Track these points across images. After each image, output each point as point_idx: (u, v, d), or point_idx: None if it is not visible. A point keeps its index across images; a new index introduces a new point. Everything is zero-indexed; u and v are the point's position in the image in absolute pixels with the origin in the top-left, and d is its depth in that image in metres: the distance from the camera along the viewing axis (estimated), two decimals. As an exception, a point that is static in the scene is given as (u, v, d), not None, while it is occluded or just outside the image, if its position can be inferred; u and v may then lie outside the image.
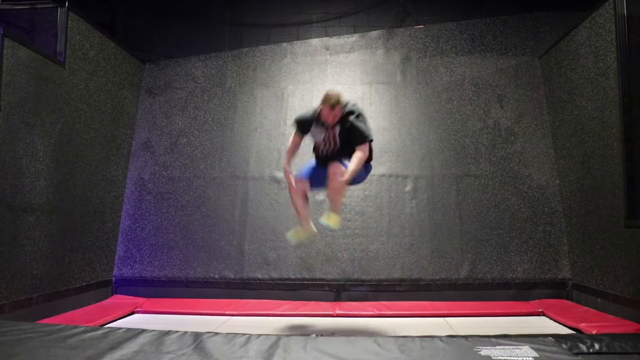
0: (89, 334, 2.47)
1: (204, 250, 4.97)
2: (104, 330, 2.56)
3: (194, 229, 5.03)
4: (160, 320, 4.12)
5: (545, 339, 2.44)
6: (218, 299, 4.73)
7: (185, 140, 5.28)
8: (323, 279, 4.84)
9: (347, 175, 3.26)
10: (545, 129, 5.04)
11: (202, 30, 5.52)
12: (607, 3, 3.89)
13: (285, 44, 5.46)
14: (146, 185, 5.19)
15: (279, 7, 5.53)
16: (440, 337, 2.45)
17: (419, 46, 5.33)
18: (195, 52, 5.47)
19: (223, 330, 3.72)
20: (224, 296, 4.78)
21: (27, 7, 4.57)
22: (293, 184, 3.52)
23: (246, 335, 2.45)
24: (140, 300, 4.64)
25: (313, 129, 3.47)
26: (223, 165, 5.20)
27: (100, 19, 5.03)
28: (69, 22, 4.17)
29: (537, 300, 4.59)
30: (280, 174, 5.11)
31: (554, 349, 2.27)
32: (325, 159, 3.45)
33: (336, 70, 5.37)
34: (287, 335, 2.50)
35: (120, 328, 2.59)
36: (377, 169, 5.07)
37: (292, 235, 3.83)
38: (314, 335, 2.62)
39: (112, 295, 4.85)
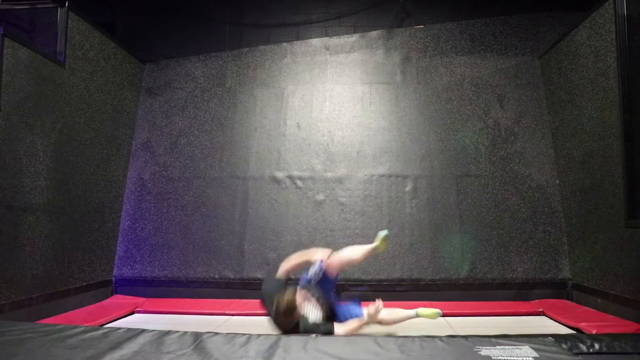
0: (89, 334, 2.47)
1: (204, 250, 4.97)
2: (104, 330, 2.56)
3: (194, 229, 5.03)
4: (160, 320, 4.12)
5: (545, 339, 2.43)
6: (218, 298, 4.73)
7: (185, 140, 5.28)
8: (323, 279, 4.83)
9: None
10: (545, 129, 5.03)
11: (202, 30, 5.52)
12: (607, 3, 3.89)
13: (285, 44, 5.45)
14: (146, 185, 5.19)
15: (279, 7, 5.53)
16: (440, 337, 2.45)
17: (419, 46, 5.33)
18: (195, 52, 5.47)
19: (223, 330, 3.72)
20: (224, 296, 4.78)
21: (27, 7, 4.57)
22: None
23: (246, 335, 2.44)
24: (140, 300, 4.64)
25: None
26: (223, 165, 5.19)
27: (100, 19, 5.03)
28: (69, 22, 4.17)
29: (537, 300, 4.59)
30: (280, 174, 5.12)
31: (554, 349, 2.26)
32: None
33: (336, 70, 5.37)
34: (287, 335, 2.50)
35: (120, 328, 2.59)
36: (377, 168, 5.08)
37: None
38: (314, 335, 2.61)
39: (112, 295, 4.85)
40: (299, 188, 5.07)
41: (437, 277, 4.79)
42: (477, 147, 5.06)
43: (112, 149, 4.91)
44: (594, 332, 3.32)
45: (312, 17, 5.55)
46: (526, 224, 4.86)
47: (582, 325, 3.56)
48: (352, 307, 3.26)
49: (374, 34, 5.40)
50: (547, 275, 4.73)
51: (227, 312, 4.32)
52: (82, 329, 2.57)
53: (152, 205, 5.12)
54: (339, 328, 2.99)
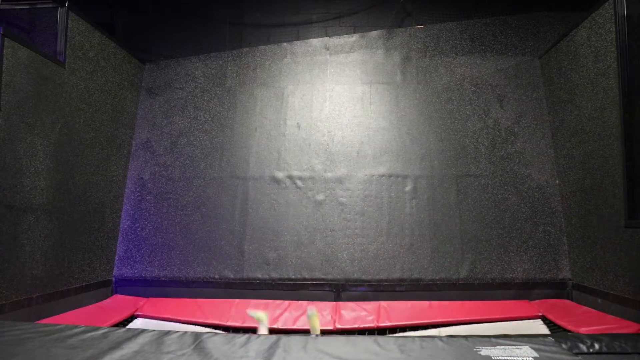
0: (89, 334, 2.47)
1: (204, 250, 4.97)
2: (104, 330, 2.56)
3: (194, 229, 5.03)
4: (162, 327, 4.06)
5: (545, 339, 2.43)
6: (218, 298, 4.72)
7: (185, 140, 5.28)
8: (323, 279, 4.84)
9: None
10: (545, 129, 5.03)
11: (202, 30, 5.52)
12: (607, 3, 3.89)
13: (285, 44, 5.45)
14: (146, 185, 5.19)
15: (279, 7, 5.53)
16: (440, 337, 2.45)
17: (419, 46, 5.33)
18: (195, 52, 5.47)
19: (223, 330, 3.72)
20: (224, 296, 4.78)
21: (27, 7, 4.57)
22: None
23: (246, 335, 2.44)
24: (141, 300, 4.64)
25: None
26: (223, 165, 5.20)
27: (100, 19, 5.03)
28: (69, 22, 4.17)
29: (537, 301, 4.59)
30: (280, 174, 5.12)
31: (554, 349, 2.26)
32: None
33: (336, 70, 5.37)
34: (287, 335, 2.50)
35: (120, 328, 2.59)
36: (377, 168, 5.08)
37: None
38: (314, 335, 2.61)
39: (112, 295, 4.85)
40: (299, 188, 5.07)
41: (437, 277, 4.79)
42: (477, 147, 5.06)
43: (112, 149, 4.91)
44: (594, 332, 3.31)
45: (312, 17, 5.55)
46: (526, 224, 4.86)
47: (582, 330, 3.56)
48: None
49: (374, 34, 5.40)
50: (547, 275, 4.73)
51: (229, 324, 4.25)
52: (82, 329, 2.57)
53: (152, 205, 5.13)
54: None
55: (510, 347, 2.26)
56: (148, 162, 5.25)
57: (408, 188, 5.02)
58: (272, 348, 2.27)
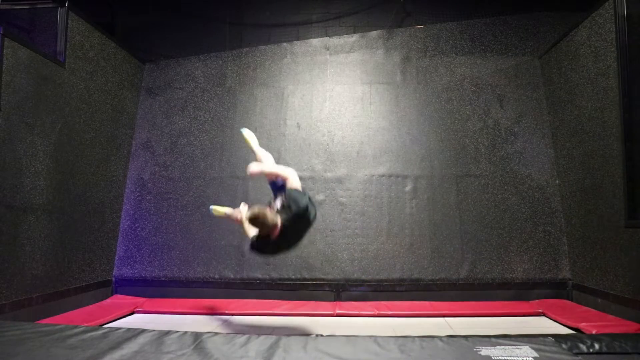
0: (89, 334, 2.47)
1: (204, 250, 4.97)
2: (104, 330, 2.56)
3: (194, 229, 5.03)
4: (161, 320, 4.11)
5: (545, 339, 2.43)
6: (218, 298, 4.73)
7: (185, 140, 5.28)
8: (323, 279, 4.84)
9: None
10: (545, 129, 5.04)
11: (202, 30, 5.52)
12: (607, 3, 3.89)
13: (285, 44, 5.45)
14: (146, 185, 5.19)
15: (279, 7, 5.53)
16: (440, 337, 2.45)
17: (419, 46, 5.33)
18: (195, 52, 5.47)
19: (223, 330, 3.73)
20: (224, 296, 4.78)
21: (27, 7, 4.57)
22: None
23: (246, 335, 2.45)
24: (140, 300, 4.64)
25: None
26: (223, 165, 5.19)
27: (100, 19, 5.03)
28: (69, 22, 4.17)
29: (537, 300, 4.59)
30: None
31: (554, 349, 2.27)
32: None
33: (336, 70, 5.37)
34: (287, 335, 2.50)
35: (120, 328, 2.59)
36: (377, 168, 5.08)
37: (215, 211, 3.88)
38: (314, 335, 2.61)
39: (112, 295, 4.85)
40: (299, 188, 5.06)
41: (437, 277, 4.79)
42: (477, 147, 5.06)
43: (112, 149, 4.91)
44: (594, 332, 3.32)
45: (312, 17, 5.55)
46: (526, 224, 4.86)
47: (582, 325, 3.56)
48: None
49: (374, 34, 5.40)
50: (547, 275, 4.73)
51: (226, 312, 4.32)
52: (82, 329, 2.58)
53: (152, 205, 5.12)
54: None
55: (510, 347, 2.26)
56: (148, 162, 5.25)
57: (408, 188, 5.02)
58: (272, 348, 2.27)
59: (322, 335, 2.73)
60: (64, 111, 4.12)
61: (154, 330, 2.52)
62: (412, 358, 2.17)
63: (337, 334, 3.02)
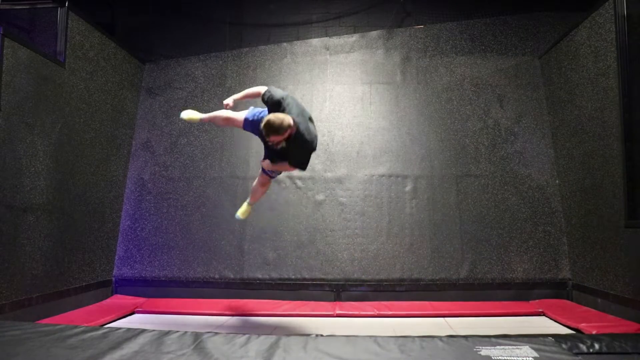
0: (89, 334, 2.47)
1: (204, 250, 4.97)
2: (104, 330, 2.56)
3: (194, 229, 5.03)
4: (161, 320, 4.12)
5: (545, 339, 2.43)
6: (218, 299, 4.73)
7: (185, 140, 5.28)
8: (323, 279, 4.84)
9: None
10: (545, 129, 5.04)
11: (202, 30, 5.52)
12: (607, 3, 3.89)
13: (285, 44, 5.45)
14: (146, 185, 5.19)
15: (279, 7, 5.53)
16: (440, 337, 2.45)
17: (419, 46, 5.33)
18: (195, 52, 5.47)
19: (223, 330, 3.72)
20: (224, 296, 4.78)
21: (27, 7, 4.57)
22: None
23: (246, 335, 2.44)
24: (140, 300, 4.64)
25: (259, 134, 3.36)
26: (223, 165, 5.19)
27: (100, 19, 5.03)
28: (69, 22, 4.17)
29: (537, 300, 4.59)
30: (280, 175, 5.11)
31: (554, 349, 2.26)
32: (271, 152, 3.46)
33: (336, 70, 5.37)
34: (287, 335, 2.50)
35: (120, 328, 2.59)
36: (377, 168, 5.08)
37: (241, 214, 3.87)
38: (314, 335, 2.61)
39: (112, 295, 4.85)
40: (299, 188, 5.07)
41: (437, 277, 4.79)
42: (477, 147, 5.06)
43: (112, 149, 4.91)
44: (594, 332, 3.32)
45: (312, 17, 5.54)
46: (526, 224, 4.86)
47: (582, 325, 3.57)
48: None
49: (374, 34, 5.40)
50: (547, 275, 4.73)
51: (226, 312, 4.32)
52: (82, 329, 2.57)
53: (152, 205, 5.12)
54: None
55: (510, 347, 2.26)
56: (148, 162, 5.25)
57: (408, 188, 5.02)
58: (272, 348, 2.27)
59: (322, 335, 2.73)
60: (64, 111, 4.12)
61: (154, 330, 2.51)
62: (412, 358, 2.17)
63: (337, 334, 3.02)
